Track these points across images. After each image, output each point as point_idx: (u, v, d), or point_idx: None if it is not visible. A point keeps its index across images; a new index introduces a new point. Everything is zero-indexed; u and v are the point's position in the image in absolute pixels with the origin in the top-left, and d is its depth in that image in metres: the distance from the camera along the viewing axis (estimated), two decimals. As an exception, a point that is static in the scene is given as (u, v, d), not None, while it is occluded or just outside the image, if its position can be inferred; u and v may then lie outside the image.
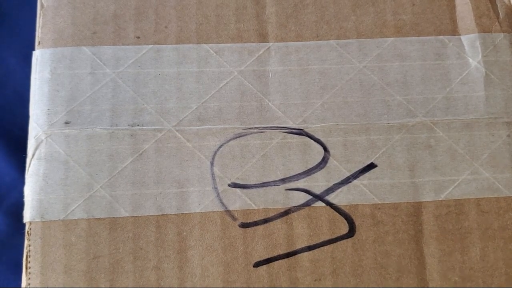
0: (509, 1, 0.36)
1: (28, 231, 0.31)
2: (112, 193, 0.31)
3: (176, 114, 0.33)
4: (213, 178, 0.32)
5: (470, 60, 0.35)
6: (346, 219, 0.32)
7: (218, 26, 0.35)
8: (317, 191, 0.32)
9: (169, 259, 0.31)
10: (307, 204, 0.32)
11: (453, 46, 0.35)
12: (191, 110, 0.33)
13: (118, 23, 0.34)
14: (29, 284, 0.30)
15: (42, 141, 0.32)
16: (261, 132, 0.33)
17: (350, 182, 0.32)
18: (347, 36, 0.35)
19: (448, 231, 0.32)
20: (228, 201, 0.32)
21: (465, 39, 0.35)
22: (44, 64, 0.33)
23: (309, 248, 0.31)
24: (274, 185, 0.32)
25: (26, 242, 0.31)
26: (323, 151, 0.33)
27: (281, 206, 0.32)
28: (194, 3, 0.35)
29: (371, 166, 0.33)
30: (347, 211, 0.32)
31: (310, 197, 0.32)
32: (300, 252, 0.31)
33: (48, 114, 0.32)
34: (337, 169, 0.33)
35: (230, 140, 0.33)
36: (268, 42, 0.35)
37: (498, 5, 0.36)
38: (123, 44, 0.34)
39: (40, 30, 0.34)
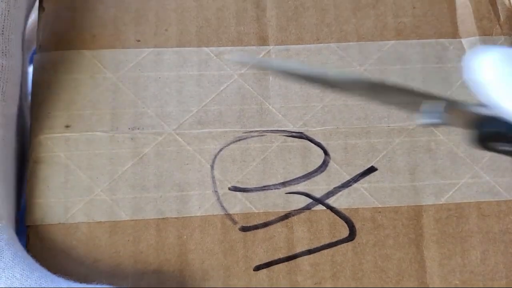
0: (510, 4, 0.36)
1: (28, 235, 0.31)
2: (112, 196, 0.31)
3: (177, 118, 0.33)
4: (214, 182, 0.32)
5: (471, 63, 0.35)
6: (346, 222, 0.32)
7: (219, 29, 0.35)
8: (318, 194, 0.32)
9: (170, 263, 0.31)
10: (307, 207, 0.32)
11: (454, 49, 0.35)
12: (191, 114, 0.33)
13: (118, 26, 0.34)
14: (29, 288, 0.30)
15: (42, 144, 0.32)
16: (262, 135, 0.33)
17: (351, 185, 0.32)
18: (348, 39, 0.35)
19: (448, 234, 0.32)
20: (228, 204, 0.32)
21: (466, 42, 0.35)
22: (44, 68, 0.33)
23: (310, 251, 0.31)
24: (275, 189, 0.32)
25: (26, 246, 0.31)
26: (323, 154, 0.33)
27: (281, 210, 0.32)
28: (194, 6, 0.35)
29: (372, 169, 0.33)
30: (347, 214, 0.32)
31: (311, 200, 0.32)
32: (301, 256, 0.31)
33: (49, 117, 0.32)
34: (338, 172, 0.33)
35: (231, 143, 0.33)
36: (268, 45, 0.35)
37: (499, 7, 0.36)
38: (123, 48, 0.34)
39: (40, 34, 0.34)
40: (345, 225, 0.32)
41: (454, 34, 0.36)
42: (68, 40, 0.34)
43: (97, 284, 0.28)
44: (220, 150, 0.33)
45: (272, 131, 0.33)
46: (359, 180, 0.32)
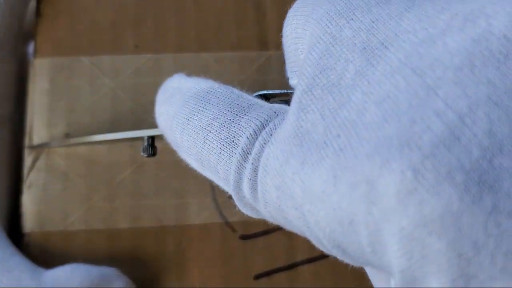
0: None
1: (27, 242, 0.31)
2: (111, 204, 0.31)
3: (176, 124, 0.33)
4: (213, 189, 0.32)
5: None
6: (347, 230, 0.31)
7: (218, 33, 0.34)
8: (318, 202, 0.32)
9: (168, 271, 0.31)
10: (307, 215, 0.32)
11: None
12: (190, 120, 0.33)
13: (117, 32, 0.34)
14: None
15: (42, 152, 0.32)
16: (262, 142, 0.33)
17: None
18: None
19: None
20: (227, 212, 0.31)
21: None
22: (42, 74, 0.33)
23: (310, 260, 0.31)
24: (275, 196, 0.32)
25: (25, 253, 0.30)
26: (324, 161, 0.32)
27: (281, 218, 0.31)
28: (193, 11, 0.35)
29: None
30: (348, 222, 0.32)
31: (311, 208, 0.32)
32: (301, 265, 0.31)
33: (48, 125, 0.32)
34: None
35: (230, 150, 0.32)
36: (268, 49, 0.34)
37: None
38: (122, 53, 0.34)
39: (38, 39, 0.33)
40: (346, 233, 0.31)
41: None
42: (66, 45, 0.33)
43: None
44: (220, 157, 0.32)
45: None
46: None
